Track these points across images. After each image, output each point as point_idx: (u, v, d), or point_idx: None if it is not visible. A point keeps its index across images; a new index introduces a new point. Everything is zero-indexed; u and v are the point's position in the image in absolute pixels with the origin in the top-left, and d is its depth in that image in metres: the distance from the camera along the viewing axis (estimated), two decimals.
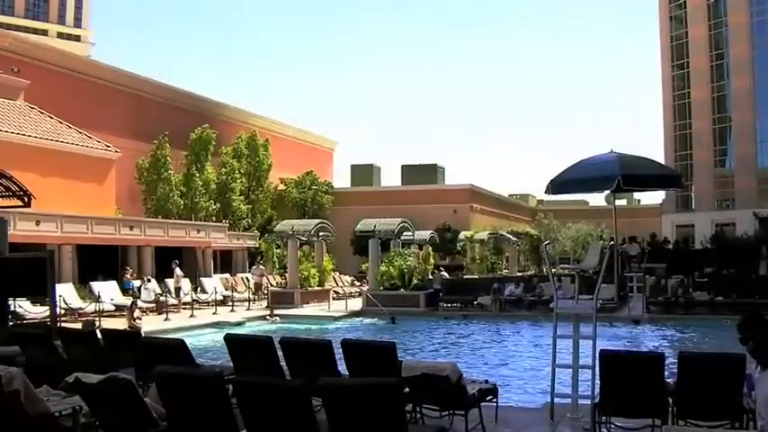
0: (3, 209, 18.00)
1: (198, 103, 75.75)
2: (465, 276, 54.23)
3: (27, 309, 25.76)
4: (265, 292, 43.92)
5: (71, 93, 59.68)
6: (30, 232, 35.15)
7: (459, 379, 9.97)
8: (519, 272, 61.15)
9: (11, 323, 16.63)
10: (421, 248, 51.80)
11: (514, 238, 65.89)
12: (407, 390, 9.38)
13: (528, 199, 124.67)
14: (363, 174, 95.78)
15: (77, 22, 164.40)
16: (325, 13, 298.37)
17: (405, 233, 46.43)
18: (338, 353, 11.29)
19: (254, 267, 49.05)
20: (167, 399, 8.14)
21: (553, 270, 24.73)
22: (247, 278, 48.00)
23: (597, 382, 9.85)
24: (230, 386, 8.09)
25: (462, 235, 64.10)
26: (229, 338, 12.45)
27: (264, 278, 46.51)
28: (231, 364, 12.19)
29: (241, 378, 8.67)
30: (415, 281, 40.51)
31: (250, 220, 67.03)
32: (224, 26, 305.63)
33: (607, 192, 12.39)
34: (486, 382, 11.24)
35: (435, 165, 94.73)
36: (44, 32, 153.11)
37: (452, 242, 65.63)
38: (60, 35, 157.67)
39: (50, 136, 45.38)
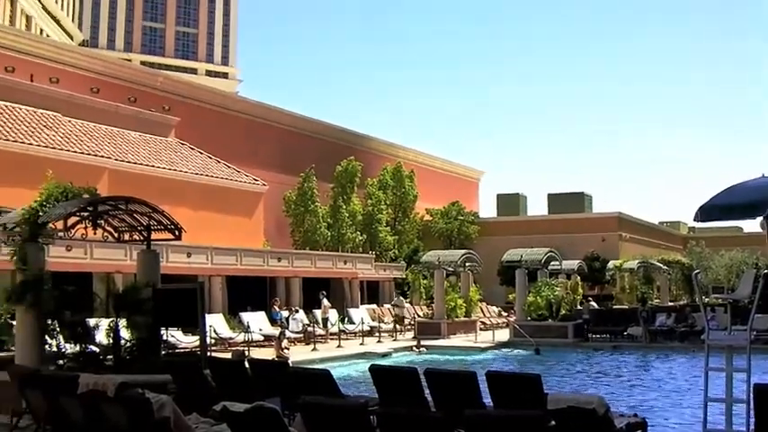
0: (156, 242, 18.69)
1: (343, 136, 77.12)
2: (614, 306, 52.86)
3: (179, 338, 26.60)
4: (411, 323, 43.90)
5: (220, 128, 61.83)
6: (181, 264, 36.42)
7: (607, 412, 9.64)
8: (670, 302, 59.22)
9: (163, 352, 17.20)
10: (569, 278, 50.87)
11: (665, 267, 63.79)
12: (553, 423, 9.14)
13: (679, 226, 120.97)
14: (509, 203, 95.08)
15: (225, 60, 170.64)
16: (469, 44, 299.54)
17: (552, 263, 45.73)
18: (483, 384, 11.13)
19: (394, 299, 49.19)
20: (312, 428, 8.20)
21: (705, 300, 23.78)
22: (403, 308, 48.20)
23: (752, 417, 9.37)
24: (375, 417, 8.08)
25: (611, 264, 62.52)
26: (374, 369, 12.47)
27: (404, 310, 46.54)
28: (376, 395, 12.20)
29: (385, 409, 8.66)
30: (562, 311, 39.81)
31: (396, 251, 67.43)
32: (367, 60, 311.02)
33: (761, 218, 11.75)
34: (635, 415, 10.89)
35: (582, 193, 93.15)
36: (193, 71, 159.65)
37: (601, 271, 64.16)
38: (209, 73, 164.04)
39: (201, 171, 47.09)
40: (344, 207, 63.59)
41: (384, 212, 67.55)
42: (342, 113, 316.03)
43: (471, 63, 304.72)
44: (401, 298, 48.84)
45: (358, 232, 63.58)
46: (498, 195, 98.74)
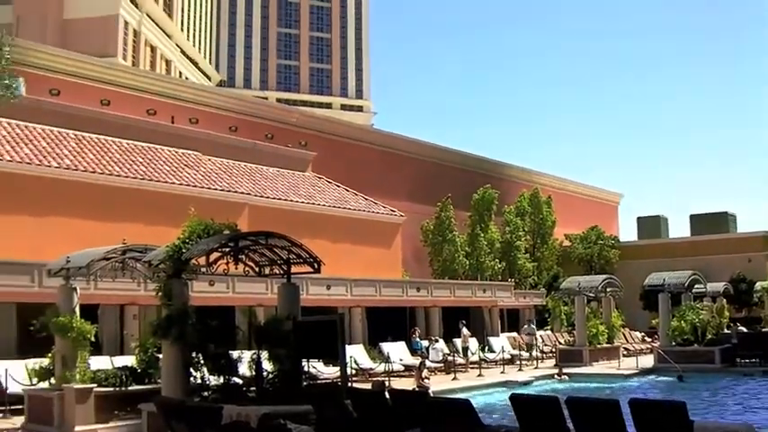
0: (296, 275, 19.13)
1: (479, 164, 77.16)
2: (764, 329, 50.65)
3: (320, 369, 26.95)
4: (543, 352, 43.36)
5: (356, 161, 62.83)
6: (321, 296, 37.03)
7: None
8: None
9: (304, 383, 17.52)
10: (714, 301, 49.14)
11: None
12: None
13: None
14: (650, 226, 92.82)
15: (359, 93, 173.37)
16: (600, 64, 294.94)
17: (696, 286, 44.31)
18: (627, 412, 10.88)
19: (524, 327, 48.61)
20: None
21: None
22: (534, 336, 47.62)
23: None
24: None
25: (759, 285, 60.06)
26: (515, 398, 12.36)
27: (533, 338, 45.92)
28: (517, 424, 12.09)
29: None
30: (708, 336, 38.48)
31: (536, 278, 66.84)
32: (499, 86, 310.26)
33: None
34: None
35: (726, 213, 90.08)
36: (328, 105, 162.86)
37: (748, 293, 61.84)
38: (343, 107, 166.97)
39: (338, 203, 47.89)
40: (482, 235, 63.48)
41: (522, 239, 67.13)
42: (476, 141, 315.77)
43: (606, 84, 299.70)
44: (532, 326, 48.27)
45: (496, 260, 63.33)
46: (638, 218, 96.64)
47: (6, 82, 14.37)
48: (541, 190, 74.38)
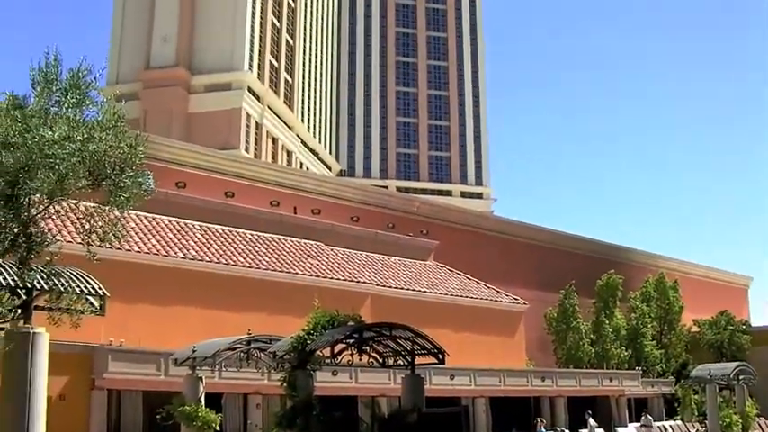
0: (420, 366, 19.01)
1: (601, 249, 75.94)
2: None
3: None
4: None
5: (477, 249, 62.68)
6: (444, 386, 36.67)
7: None
8: None
9: None
10: None
11: None
12: None
13: None
14: None
15: (478, 180, 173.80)
16: (728, 150, 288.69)
17: None
18: None
19: (642, 417, 47.02)
20: None
21: None
22: (665, 426, 46.05)
23: None
24: None
25: None
26: None
27: (652, 430, 44.24)
28: None
29: None
30: None
31: (664, 366, 64.85)
32: (619, 171, 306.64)
33: None
34: None
35: None
36: (448, 193, 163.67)
37: None
38: (463, 194, 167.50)
39: (460, 292, 47.69)
40: (607, 322, 62.20)
41: (649, 326, 65.44)
42: (598, 225, 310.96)
43: (730, 165, 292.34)
44: (649, 417, 46.75)
45: (622, 347, 61.84)
46: None
47: (140, 180, 14.87)
48: (667, 274, 72.50)
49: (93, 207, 15.26)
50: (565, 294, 61.27)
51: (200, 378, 24.02)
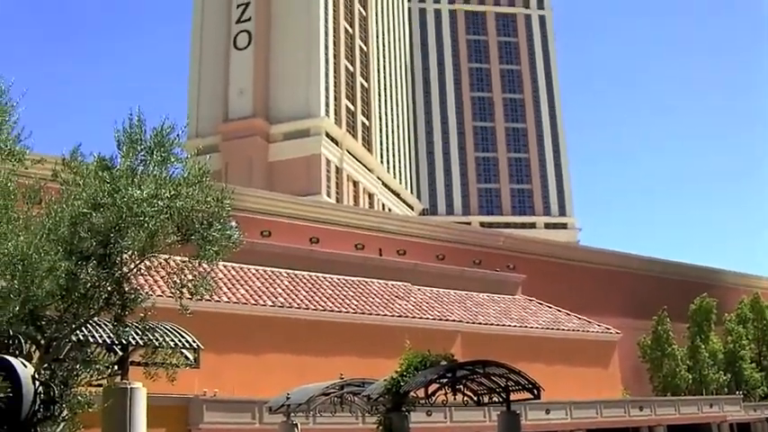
0: (515, 402, 18.81)
1: (692, 272, 74.39)
2: None
3: None
4: None
5: (565, 280, 61.97)
6: (540, 421, 36.19)
7: None
8: None
9: None
10: None
11: None
12: None
13: None
14: None
15: (562, 211, 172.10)
16: None
17: None
18: None
19: None
20: None
21: None
22: None
23: None
24: None
25: None
26: None
27: None
28: None
29: None
30: None
31: (766, 388, 62.97)
32: (705, 193, 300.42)
33: None
34: None
35: None
36: (532, 225, 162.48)
37: None
38: (547, 225, 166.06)
39: (551, 325, 47.15)
40: (703, 347, 60.84)
41: (747, 348, 63.82)
42: (686, 249, 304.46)
43: None
44: None
45: (721, 372, 60.38)
46: None
47: (228, 233, 15.13)
48: (762, 294, 70.54)
49: (183, 261, 15.54)
50: (657, 321, 60.22)
51: (296, 425, 24.11)
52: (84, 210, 14.59)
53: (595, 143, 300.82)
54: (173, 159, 15.14)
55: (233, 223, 15.61)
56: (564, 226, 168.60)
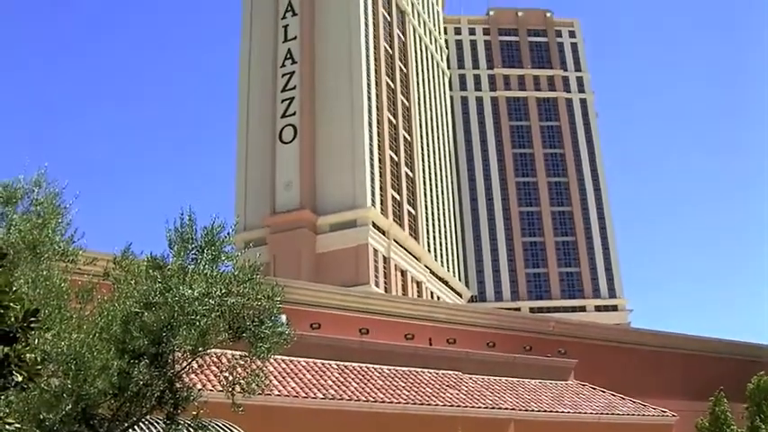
0: None
1: (749, 351, 72.84)
2: None
3: None
4: None
5: (617, 363, 60.97)
6: None
7: None
8: None
9: None
10: None
11: None
12: None
13: None
14: None
15: (611, 293, 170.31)
16: None
17: None
18: None
19: None
20: None
21: None
22: None
23: None
24: None
25: None
26: None
27: None
28: None
29: None
30: None
31: None
32: (758, 266, 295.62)
33: None
34: None
35: None
36: (582, 309, 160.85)
37: None
38: (598, 308, 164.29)
39: (605, 410, 46.23)
40: (763, 427, 59.07)
41: None
42: (742, 326, 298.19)
43: None
44: None
45: None
46: None
47: (279, 329, 15.28)
48: None
49: (235, 358, 15.65)
50: (714, 402, 58.73)
51: None
52: (136, 309, 14.81)
53: (643, 222, 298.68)
54: (223, 258, 15.42)
55: (283, 318, 15.73)
56: (614, 308, 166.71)
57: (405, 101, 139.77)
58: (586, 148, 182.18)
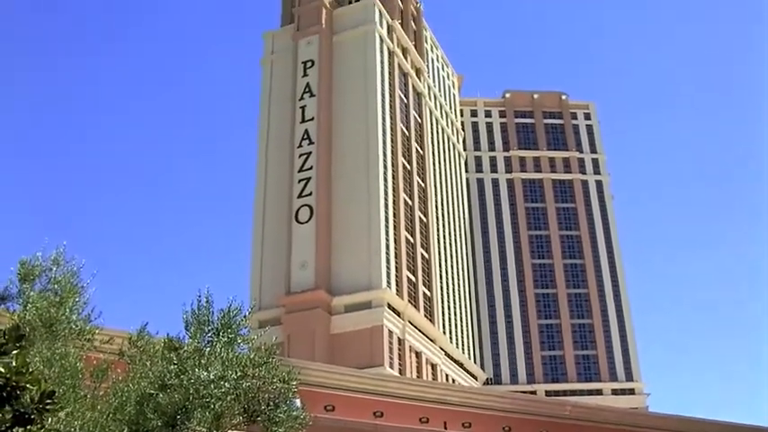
0: None
1: None
2: None
3: None
4: None
5: None
6: None
7: None
8: None
9: None
10: None
11: None
12: None
13: None
14: None
15: (628, 375, 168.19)
16: None
17: None
18: None
19: None
20: None
21: None
22: None
23: None
24: None
25: None
26: None
27: None
28: None
29: None
30: None
31: None
32: None
33: None
34: None
35: None
36: (598, 392, 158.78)
37: None
38: (614, 392, 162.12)
39: None
40: None
41: None
42: (760, 410, 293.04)
43: None
44: None
45: None
46: None
47: (295, 414, 15.15)
48: None
49: None
50: None
51: None
52: (151, 390, 14.73)
53: (661, 304, 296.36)
54: (239, 340, 15.37)
55: (298, 402, 15.60)
56: (631, 391, 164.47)
57: (421, 182, 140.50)
58: (602, 230, 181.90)
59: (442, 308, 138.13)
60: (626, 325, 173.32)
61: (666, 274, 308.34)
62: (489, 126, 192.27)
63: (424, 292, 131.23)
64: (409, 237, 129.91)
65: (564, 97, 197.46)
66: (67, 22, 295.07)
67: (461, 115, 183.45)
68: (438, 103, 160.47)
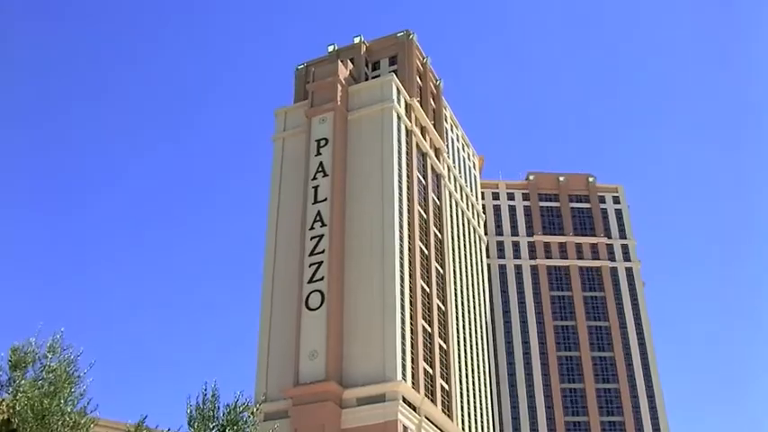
0: None
1: None
2: None
3: None
4: None
5: None
6: None
7: None
8: None
9: None
10: None
11: None
12: None
13: None
14: None
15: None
16: None
17: None
18: None
19: None
20: None
21: None
22: None
23: None
24: None
25: None
26: None
27: None
28: None
29: None
30: None
31: None
32: None
33: None
34: None
35: None
36: None
37: None
38: None
39: None
40: None
41: None
42: None
43: None
44: None
45: None
46: None
47: None
48: None
49: None
50: None
51: None
52: None
53: (697, 402, 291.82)
54: None
55: None
56: None
57: (439, 268, 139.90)
58: (633, 321, 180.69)
59: (461, 402, 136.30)
60: (660, 423, 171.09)
61: (703, 369, 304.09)
62: (512, 209, 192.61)
63: (441, 386, 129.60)
64: (426, 326, 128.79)
65: (591, 179, 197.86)
66: (76, 121, 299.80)
67: (482, 198, 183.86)
68: (458, 185, 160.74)
